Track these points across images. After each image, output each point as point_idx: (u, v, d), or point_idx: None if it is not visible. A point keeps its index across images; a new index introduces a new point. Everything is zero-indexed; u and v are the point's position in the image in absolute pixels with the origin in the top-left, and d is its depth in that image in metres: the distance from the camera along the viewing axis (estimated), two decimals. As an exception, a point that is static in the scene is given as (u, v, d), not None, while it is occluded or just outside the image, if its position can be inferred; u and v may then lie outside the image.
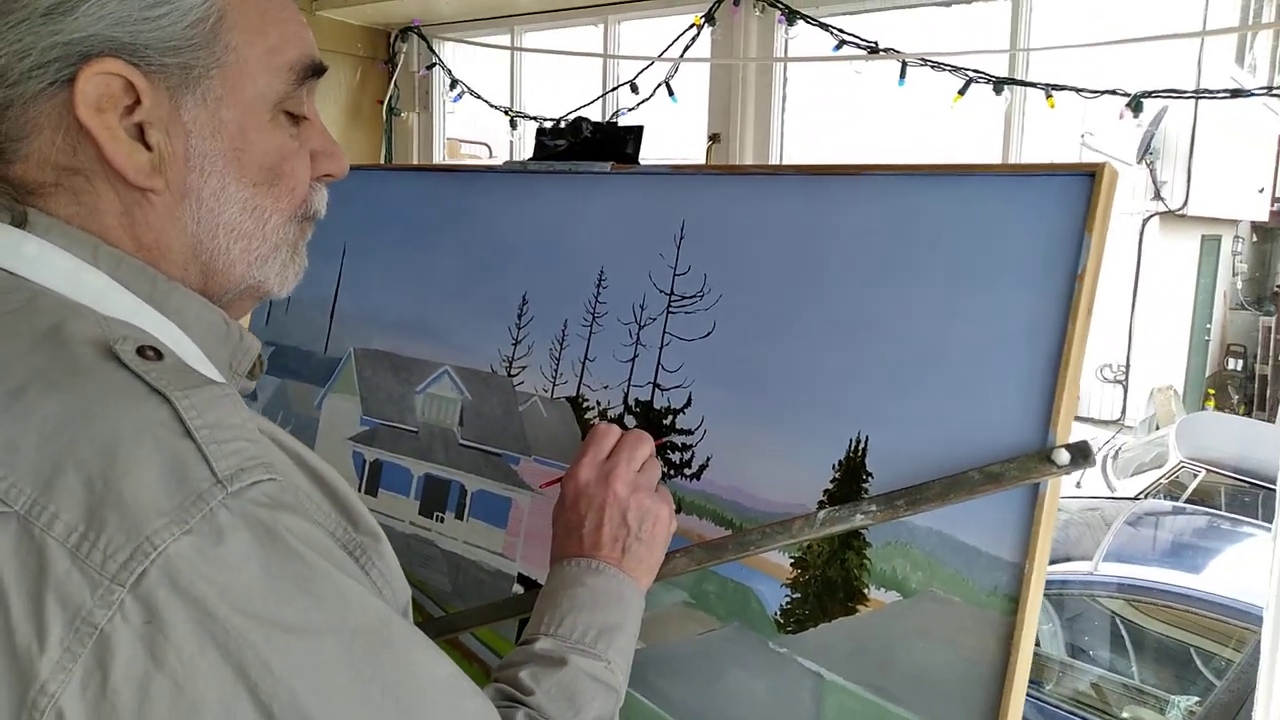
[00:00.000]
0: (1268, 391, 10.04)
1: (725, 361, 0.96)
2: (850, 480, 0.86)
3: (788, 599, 0.88)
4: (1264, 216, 11.20)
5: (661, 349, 1.01)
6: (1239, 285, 11.48)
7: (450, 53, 2.11)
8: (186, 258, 0.66)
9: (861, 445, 0.86)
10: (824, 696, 0.85)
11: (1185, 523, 4.94)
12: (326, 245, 1.41)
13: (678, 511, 0.92)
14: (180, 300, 0.66)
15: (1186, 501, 5.51)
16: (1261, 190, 10.62)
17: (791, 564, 0.89)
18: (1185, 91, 1.26)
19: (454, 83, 2.05)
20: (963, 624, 0.79)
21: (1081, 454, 0.73)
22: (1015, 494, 0.77)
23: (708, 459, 0.96)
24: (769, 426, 0.92)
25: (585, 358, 1.08)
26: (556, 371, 1.10)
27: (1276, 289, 11.50)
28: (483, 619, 1.03)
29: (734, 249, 0.97)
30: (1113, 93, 1.29)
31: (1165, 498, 5.59)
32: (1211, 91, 1.22)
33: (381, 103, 2.18)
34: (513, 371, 1.15)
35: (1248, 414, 9.47)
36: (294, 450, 0.62)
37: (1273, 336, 10.14)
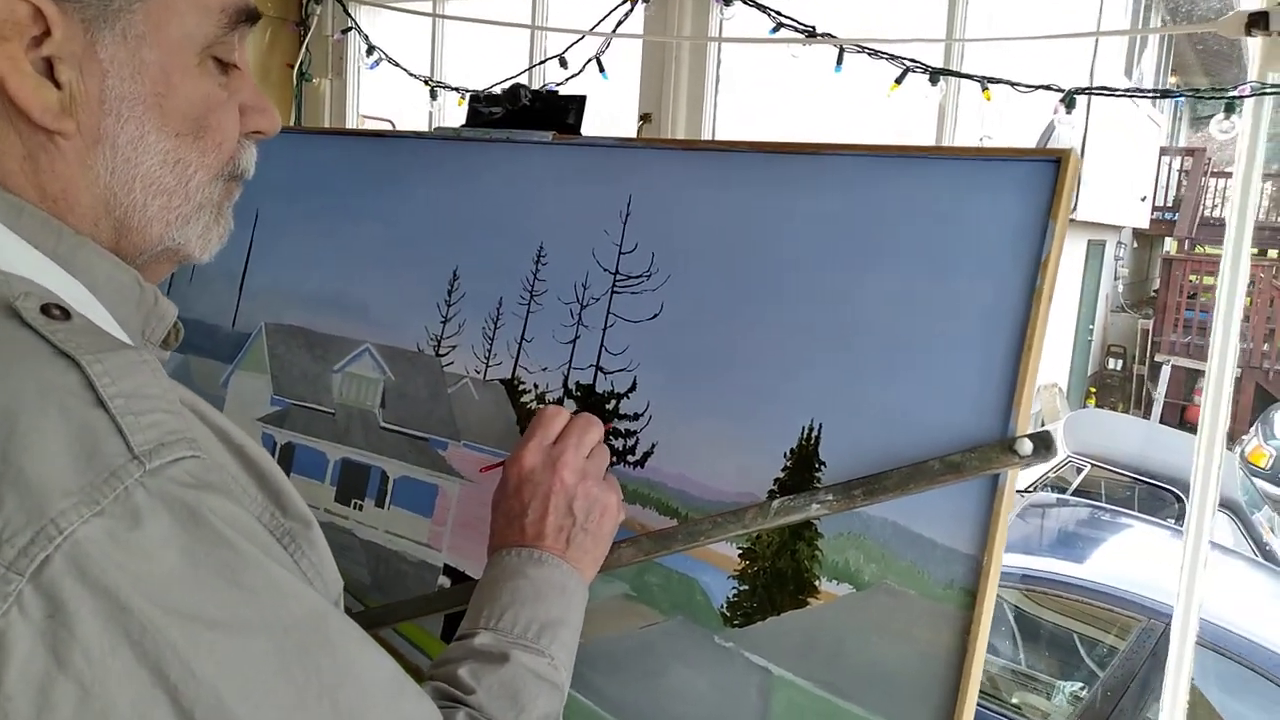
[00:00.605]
0: (1144, 390, 10.58)
1: (672, 345, 0.92)
2: (802, 469, 0.83)
3: (735, 591, 0.85)
4: (1145, 224, 11.79)
5: (605, 330, 0.97)
6: (1120, 289, 12.06)
7: (367, 18, 2.02)
8: (98, 212, 0.59)
9: (814, 434, 0.83)
10: (772, 692, 0.82)
11: (1070, 514, 5.15)
12: (236, 212, 1.32)
13: (621, 500, 0.88)
14: (89, 258, 0.58)
15: (1072, 494, 5.75)
16: (1144, 199, 11.17)
17: (739, 555, 0.85)
18: (1116, 89, 1.28)
19: (370, 49, 1.96)
20: (918, 617, 0.77)
21: (1044, 444, 0.72)
22: (973, 485, 0.76)
23: (652, 446, 0.92)
24: (717, 413, 0.89)
25: (522, 338, 1.02)
26: (490, 352, 1.05)
27: (1154, 294, 12.13)
28: (410, 613, 0.97)
29: (684, 228, 0.94)
30: (1047, 87, 1.30)
31: (1051, 490, 5.83)
32: (1142, 91, 1.24)
33: (292, 67, 2.06)
34: (441, 351, 1.09)
35: (1126, 411, 9.96)
36: (218, 425, 0.55)
37: (1150, 339, 10.69)
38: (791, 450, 0.84)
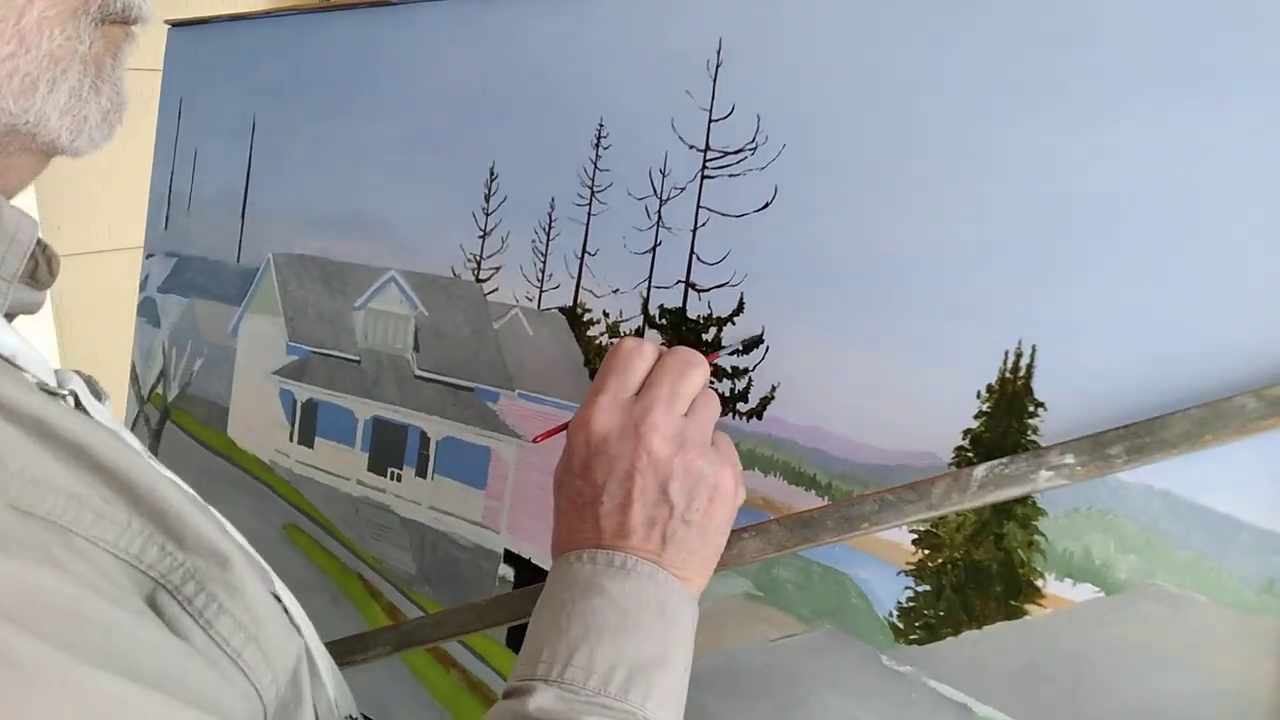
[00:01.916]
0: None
1: (794, 244, 0.65)
2: (1008, 415, 0.56)
3: (910, 593, 0.59)
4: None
5: (695, 231, 0.70)
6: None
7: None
8: None
9: (1025, 362, 0.56)
10: (975, 740, 0.56)
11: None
12: (229, 121, 1.08)
13: (735, 468, 0.62)
14: None
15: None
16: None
17: (915, 541, 0.59)
18: None
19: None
20: (1213, 636, 0.50)
21: None
22: (1302, 432, 0.48)
23: (772, 388, 0.66)
24: (866, 337, 0.62)
25: (584, 250, 0.76)
26: (544, 272, 0.79)
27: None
28: (455, 629, 0.73)
29: (799, 77, 0.65)
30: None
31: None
32: None
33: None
34: (482, 275, 0.84)
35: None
36: (32, 414, 0.31)
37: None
38: (988, 388, 0.57)
